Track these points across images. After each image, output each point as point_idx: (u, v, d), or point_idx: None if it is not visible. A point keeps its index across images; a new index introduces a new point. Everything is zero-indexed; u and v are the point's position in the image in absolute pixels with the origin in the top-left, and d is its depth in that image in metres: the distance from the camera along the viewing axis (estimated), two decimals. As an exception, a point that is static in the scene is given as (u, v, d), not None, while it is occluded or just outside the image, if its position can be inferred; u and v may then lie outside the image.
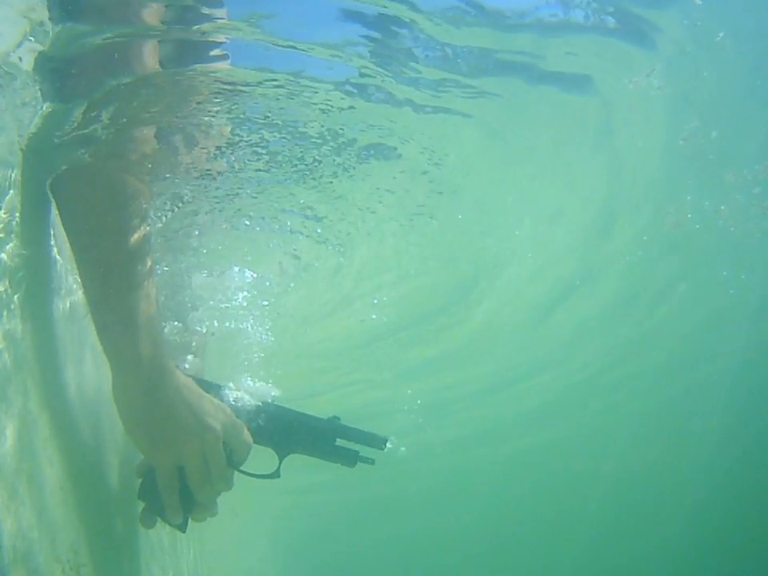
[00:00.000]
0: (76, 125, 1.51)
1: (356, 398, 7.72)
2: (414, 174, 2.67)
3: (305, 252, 3.31)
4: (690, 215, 4.85)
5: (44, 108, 1.43)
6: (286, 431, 1.76)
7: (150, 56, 1.50)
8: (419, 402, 8.35)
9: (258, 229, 2.81)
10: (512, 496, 16.40)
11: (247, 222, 2.73)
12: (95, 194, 1.51)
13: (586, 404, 10.30)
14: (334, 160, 2.26)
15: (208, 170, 2.03)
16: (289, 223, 2.84)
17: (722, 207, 4.86)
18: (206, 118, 1.78)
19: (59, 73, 1.41)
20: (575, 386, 9.30)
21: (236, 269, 3.18)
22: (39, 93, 1.40)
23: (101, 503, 1.69)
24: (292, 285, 3.76)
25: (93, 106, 1.48)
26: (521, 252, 4.75)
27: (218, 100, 1.73)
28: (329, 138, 2.12)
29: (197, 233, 2.62)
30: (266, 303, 3.58)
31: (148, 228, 1.55)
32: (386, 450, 1.80)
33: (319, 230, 3.02)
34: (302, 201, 2.58)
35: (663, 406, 10.66)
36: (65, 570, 1.37)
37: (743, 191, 4.56)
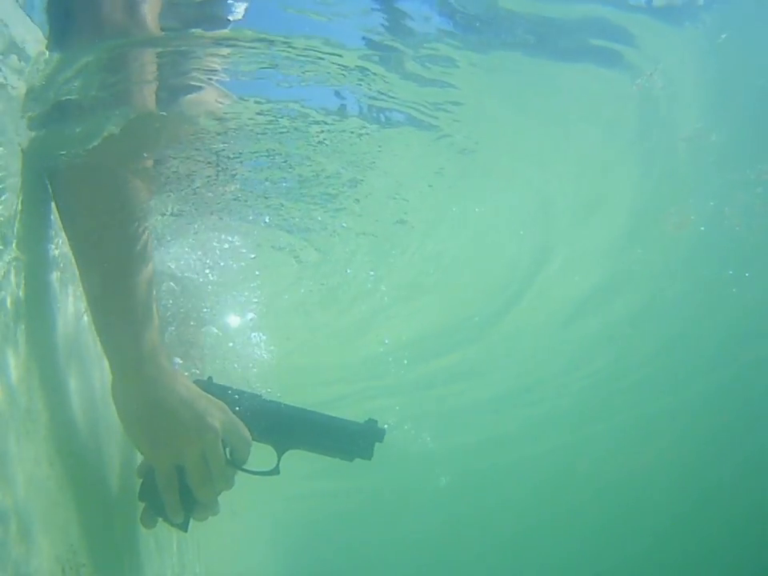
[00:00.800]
0: (74, 84, 1.49)
1: (363, 405, 7.68)
2: (439, 148, 2.59)
3: (313, 252, 3.27)
4: (693, 216, 4.84)
5: (46, 55, 1.42)
6: (284, 427, 1.75)
7: (151, 15, 1.48)
8: (424, 408, 8.32)
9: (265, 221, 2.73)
10: (514, 501, 16.33)
11: (264, 217, 2.65)
12: (94, 192, 1.50)
13: (601, 411, 10.28)
14: (349, 133, 2.17)
15: (216, 135, 1.95)
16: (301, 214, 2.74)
17: (726, 208, 4.85)
18: (207, 77, 1.74)
19: (60, 21, 1.40)
20: (588, 393, 9.28)
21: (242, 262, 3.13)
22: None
23: (101, 503, 1.69)
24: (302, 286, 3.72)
25: (91, 68, 1.47)
26: (554, 254, 4.73)
27: (217, 59, 1.70)
28: (342, 108, 2.05)
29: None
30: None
31: (147, 226, 1.55)
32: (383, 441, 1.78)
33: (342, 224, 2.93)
34: (320, 184, 2.48)
35: (678, 410, 10.61)
36: (65, 570, 1.37)
37: (746, 191, 4.55)
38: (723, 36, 2.94)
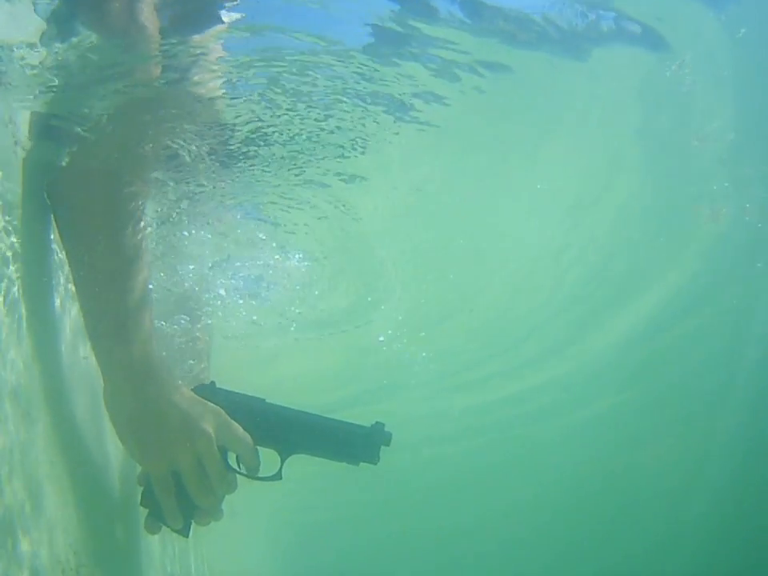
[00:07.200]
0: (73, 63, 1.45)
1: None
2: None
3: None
4: (725, 209, 4.76)
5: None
6: (288, 431, 1.71)
7: (151, 19, 1.42)
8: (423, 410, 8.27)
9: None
10: (516, 496, 16.25)
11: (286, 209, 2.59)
12: (90, 197, 1.50)
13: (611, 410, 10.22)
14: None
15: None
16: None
17: (747, 205, 4.77)
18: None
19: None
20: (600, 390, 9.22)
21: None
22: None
23: (101, 504, 1.70)
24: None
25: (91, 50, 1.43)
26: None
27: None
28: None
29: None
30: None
31: (143, 232, 1.55)
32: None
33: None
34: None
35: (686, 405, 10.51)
36: (64, 570, 1.39)
37: (763, 187, 4.48)
38: (742, 31, 2.87)
